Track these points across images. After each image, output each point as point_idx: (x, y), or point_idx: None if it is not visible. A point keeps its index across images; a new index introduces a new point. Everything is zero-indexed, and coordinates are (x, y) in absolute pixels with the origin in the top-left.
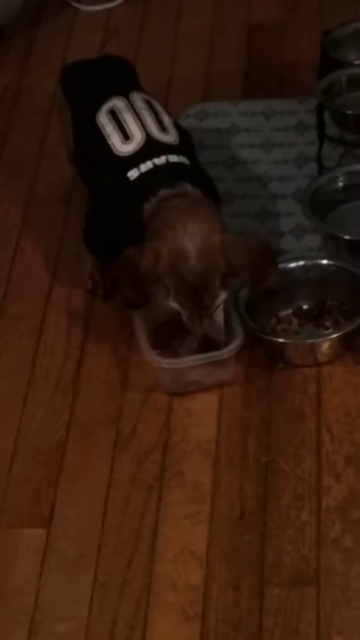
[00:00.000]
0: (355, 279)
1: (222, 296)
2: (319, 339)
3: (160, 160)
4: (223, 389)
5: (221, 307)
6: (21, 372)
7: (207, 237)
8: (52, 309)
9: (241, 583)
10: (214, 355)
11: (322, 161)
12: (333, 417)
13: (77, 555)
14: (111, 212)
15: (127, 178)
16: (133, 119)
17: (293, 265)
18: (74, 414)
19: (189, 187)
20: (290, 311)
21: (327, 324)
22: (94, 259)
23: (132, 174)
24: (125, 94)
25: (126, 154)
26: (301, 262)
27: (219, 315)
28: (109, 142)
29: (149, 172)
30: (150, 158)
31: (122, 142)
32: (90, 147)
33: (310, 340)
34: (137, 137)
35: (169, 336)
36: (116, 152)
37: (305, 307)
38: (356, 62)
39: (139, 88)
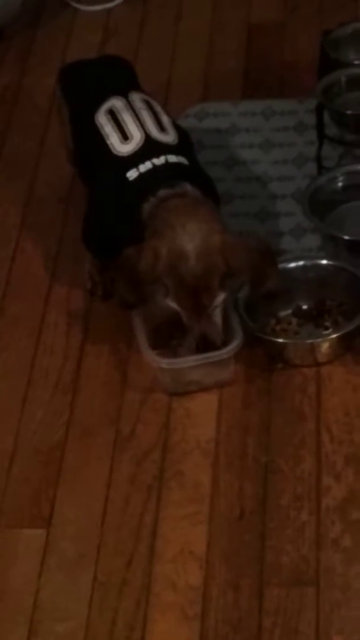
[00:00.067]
0: (355, 279)
1: (221, 297)
2: (319, 339)
3: (160, 160)
4: (222, 389)
5: (220, 307)
6: (20, 372)
7: (206, 237)
8: (52, 309)
9: (241, 583)
10: (214, 355)
11: (322, 161)
12: (333, 417)
13: (76, 555)
14: (110, 212)
15: (127, 178)
16: (132, 119)
17: (292, 265)
18: (74, 414)
19: (188, 187)
20: (289, 311)
21: (327, 324)
22: (93, 259)
23: (131, 174)
24: (124, 94)
25: (125, 154)
26: (301, 262)
27: (218, 316)
28: (108, 142)
29: (148, 172)
30: (149, 158)
31: (121, 142)
32: (89, 147)
33: (309, 341)
34: (136, 137)
35: (168, 336)
36: (115, 152)
37: (304, 307)
38: (356, 62)
39: (137, 88)
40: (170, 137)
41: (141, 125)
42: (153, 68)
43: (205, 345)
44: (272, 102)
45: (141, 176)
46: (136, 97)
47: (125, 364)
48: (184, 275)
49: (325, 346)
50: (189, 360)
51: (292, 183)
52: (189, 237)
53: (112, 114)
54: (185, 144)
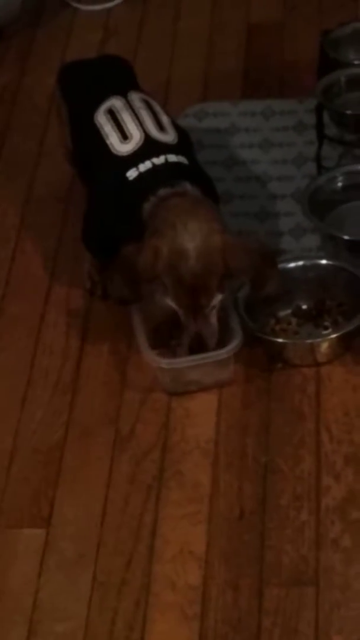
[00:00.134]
0: (355, 279)
1: (219, 297)
2: (318, 339)
3: (159, 160)
4: (222, 389)
5: (217, 308)
6: (20, 372)
7: (207, 237)
8: (51, 309)
9: (240, 583)
10: (213, 355)
11: (322, 161)
12: (332, 417)
13: (76, 555)
14: (110, 212)
15: (126, 178)
16: (131, 118)
17: (292, 265)
18: (73, 414)
19: (188, 187)
20: (289, 311)
21: (326, 324)
22: (92, 258)
23: (131, 173)
24: (123, 93)
25: (125, 154)
26: (300, 262)
27: (214, 317)
28: (108, 141)
29: (148, 171)
30: (149, 158)
31: (121, 142)
32: (88, 146)
33: (309, 341)
34: (136, 137)
35: (168, 336)
36: (115, 152)
37: (304, 307)
38: (355, 62)
39: (137, 88)
40: (169, 137)
41: (140, 124)
42: (153, 68)
43: (198, 345)
44: (271, 102)
45: (141, 176)
46: (135, 97)
47: (124, 364)
48: (183, 275)
49: (324, 346)
50: (188, 360)
51: (292, 183)
52: (190, 237)
53: (112, 114)
54: (184, 143)
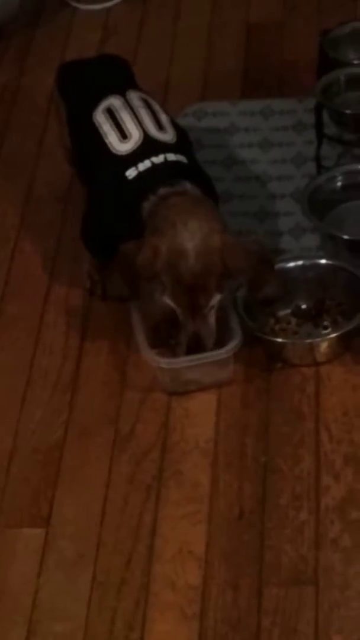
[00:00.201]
0: (354, 279)
1: (217, 297)
2: (318, 339)
3: (159, 158)
4: (222, 389)
5: (215, 308)
6: (20, 372)
7: (207, 236)
8: (51, 309)
9: (240, 583)
10: (213, 354)
11: (321, 160)
12: (331, 417)
13: (75, 555)
14: (109, 211)
15: (126, 177)
16: (130, 117)
17: (292, 265)
18: (73, 414)
19: (188, 186)
20: (288, 311)
21: (326, 323)
22: (92, 258)
23: (131, 173)
24: (121, 92)
25: (124, 153)
26: (300, 262)
27: (213, 316)
28: (107, 141)
29: (148, 170)
30: (148, 157)
31: (120, 141)
32: (87, 146)
33: (308, 340)
34: (135, 136)
35: (167, 335)
36: (114, 151)
37: (303, 306)
38: (355, 61)
39: (135, 87)
40: (168, 136)
41: (139, 123)
42: (152, 67)
43: (196, 345)
44: (271, 101)
45: (140, 175)
46: (134, 96)
47: (124, 364)
48: (182, 274)
49: (324, 346)
50: (188, 360)
51: (291, 182)
52: (190, 236)
53: (110, 113)
54: (183, 142)
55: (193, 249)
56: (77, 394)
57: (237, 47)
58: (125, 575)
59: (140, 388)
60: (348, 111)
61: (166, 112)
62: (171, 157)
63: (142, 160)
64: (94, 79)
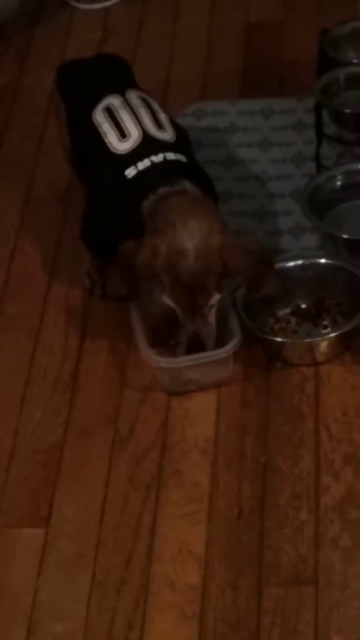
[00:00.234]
0: (354, 278)
1: (217, 297)
2: (317, 338)
3: (158, 158)
4: (221, 388)
5: (215, 307)
6: (19, 371)
7: (206, 236)
8: (50, 309)
9: (239, 582)
10: (213, 354)
11: (321, 160)
12: (331, 416)
13: (75, 554)
14: (109, 211)
15: (125, 176)
16: (129, 116)
17: (291, 264)
18: (72, 414)
19: (187, 185)
20: (288, 310)
21: (326, 323)
22: (91, 257)
23: (130, 172)
24: (121, 92)
25: (123, 152)
26: (299, 261)
27: (212, 316)
28: (106, 140)
29: (147, 170)
30: (147, 156)
31: (119, 140)
32: (86, 145)
33: (308, 340)
34: (134, 135)
35: (166, 335)
36: (113, 150)
37: (303, 306)
38: (354, 61)
39: (134, 86)
40: (168, 135)
41: (139, 122)
42: (152, 67)
43: (196, 344)
44: (271, 101)
45: (140, 174)
46: (133, 95)
47: (124, 363)
48: (182, 273)
49: (323, 345)
50: (187, 360)
51: (291, 182)
52: (189, 236)
53: (110, 112)
54: (183, 141)
55: (193, 249)
56: (76, 393)
57: (237, 47)
58: (125, 575)
59: (139, 388)
60: (348, 110)
61: (165, 111)
62: (170, 156)
63: (141, 160)
64: (94, 78)
